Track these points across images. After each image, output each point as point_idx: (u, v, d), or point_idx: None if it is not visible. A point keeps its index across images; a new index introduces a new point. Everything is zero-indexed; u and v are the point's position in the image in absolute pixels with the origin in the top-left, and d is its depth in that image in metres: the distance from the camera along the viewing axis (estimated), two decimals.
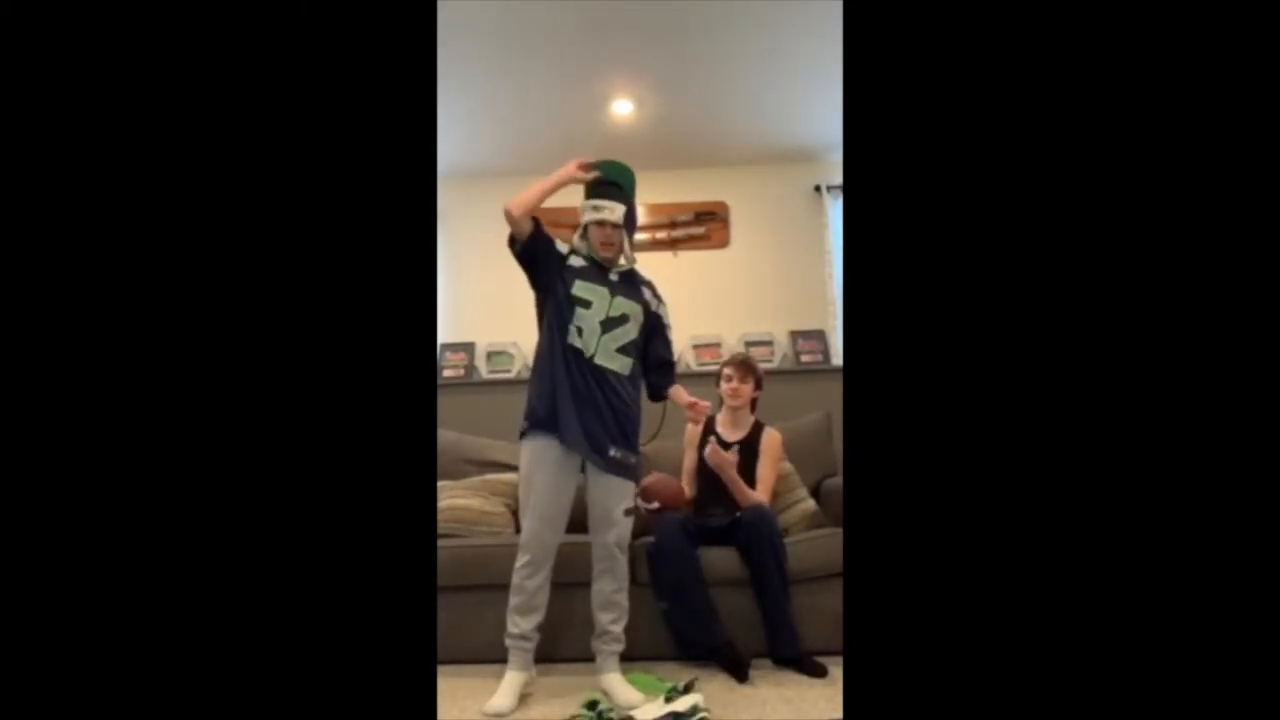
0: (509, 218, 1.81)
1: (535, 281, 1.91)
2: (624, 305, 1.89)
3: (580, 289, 1.86)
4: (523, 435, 1.86)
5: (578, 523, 1.90)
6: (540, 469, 1.81)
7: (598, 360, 1.83)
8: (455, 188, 3.43)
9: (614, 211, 1.88)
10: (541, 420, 1.81)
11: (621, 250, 1.93)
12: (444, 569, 2.08)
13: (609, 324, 1.86)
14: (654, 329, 1.98)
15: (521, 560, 1.82)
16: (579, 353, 1.83)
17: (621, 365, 1.86)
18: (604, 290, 1.88)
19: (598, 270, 1.91)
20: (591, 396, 1.81)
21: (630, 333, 1.89)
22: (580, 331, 1.83)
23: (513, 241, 1.86)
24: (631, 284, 1.95)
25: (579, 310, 1.84)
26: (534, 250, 1.86)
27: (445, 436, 2.72)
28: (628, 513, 1.88)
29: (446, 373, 3.32)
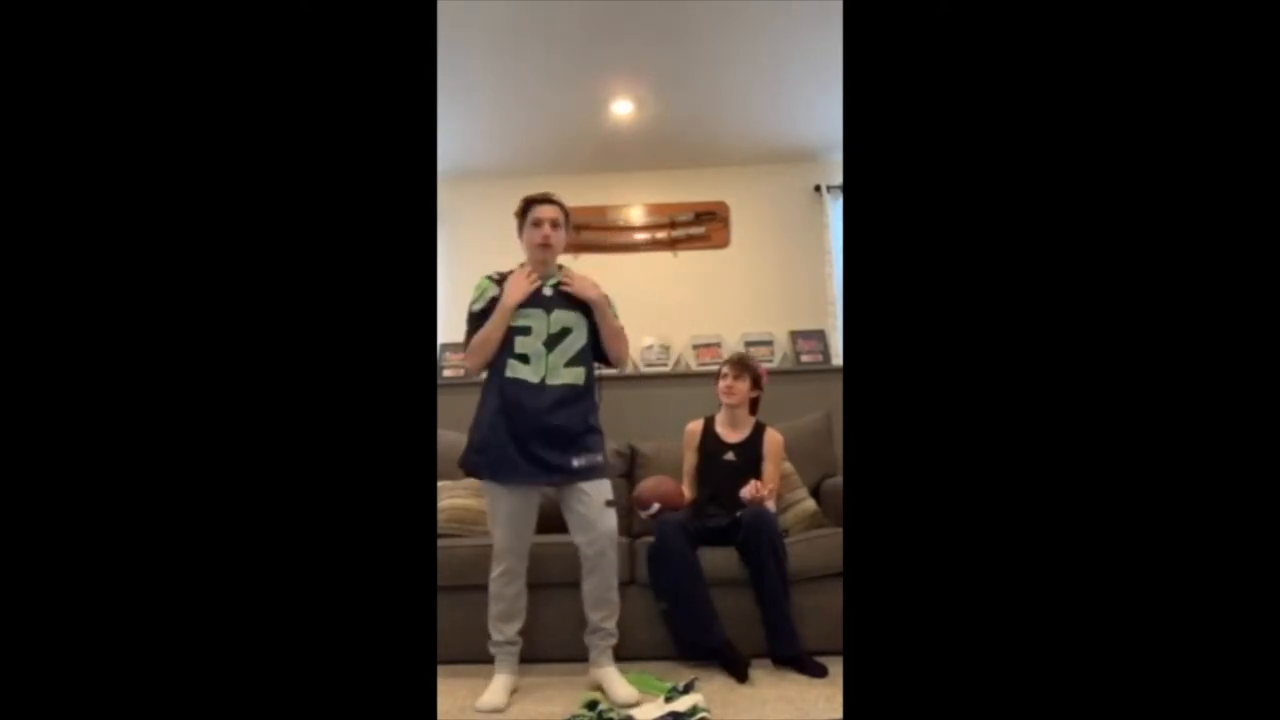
0: (474, 370, 1.89)
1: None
2: (564, 319, 1.87)
3: (517, 317, 1.84)
4: (468, 473, 1.88)
5: (556, 524, 1.90)
6: (500, 490, 1.84)
7: (549, 381, 1.81)
8: (455, 188, 3.43)
9: (550, 209, 1.90)
10: (491, 468, 1.82)
11: (557, 253, 1.92)
12: (444, 569, 2.08)
13: (552, 341, 1.84)
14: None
15: (497, 570, 1.84)
16: (522, 385, 1.81)
17: (575, 377, 1.85)
18: (539, 311, 1.86)
19: (535, 294, 1.87)
20: (542, 426, 1.79)
21: (578, 341, 1.87)
22: (526, 359, 1.82)
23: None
24: (566, 295, 1.91)
25: (519, 339, 1.83)
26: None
27: (445, 436, 2.71)
28: (609, 504, 1.87)
29: (446, 373, 3.31)
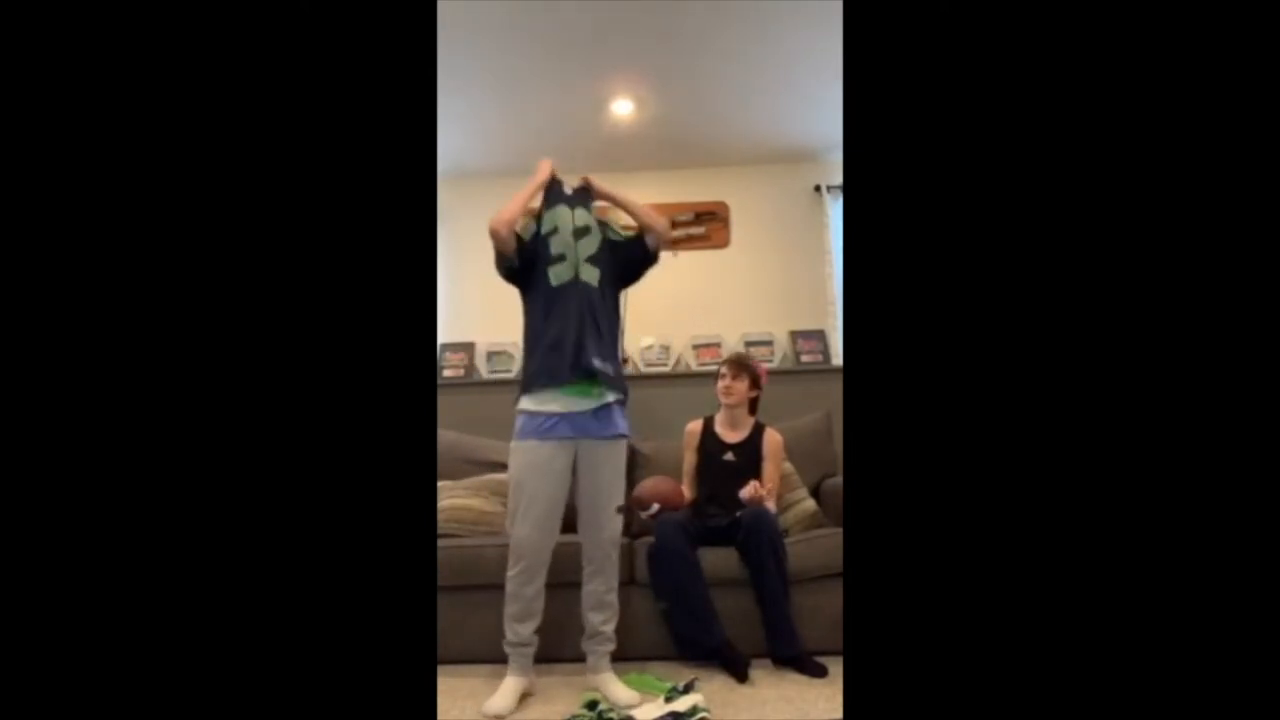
0: (495, 236, 1.86)
1: (526, 280, 1.94)
2: (584, 216, 1.96)
3: (546, 222, 1.93)
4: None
5: (569, 523, 1.90)
6: (534, 473, 1.79)
7: (582, 277, 1.88)
8: (455, 188, 3.42)
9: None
10: (548, 374, 1.81)
11: None
12: (444, 569, 2.08)
13: (578, 234, 1.92)
14: (621, 242, 2.01)
15: (516, 568, 1.81)
16: (563, 286, 1.86)
17: (591, 276, 1.90)
18: (563, 207, 1.95)
19: (555, 191, 1.97)
20: (588, 317, 1.83)
21: (594, 242, 1.94)
22: (562, 257, 1.89)
23: (501, 260, 1.91)
24: (585, 198, 2.00)
25: (553, 240, 1.91)
26: (519, 260, 1.90)
27: (445, 436, 2.72)
28: (620, 510, 1.87)
29: (446, 373, 3.31)
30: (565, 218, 1.93)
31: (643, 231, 1.99)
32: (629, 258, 1.99)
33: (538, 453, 1.79)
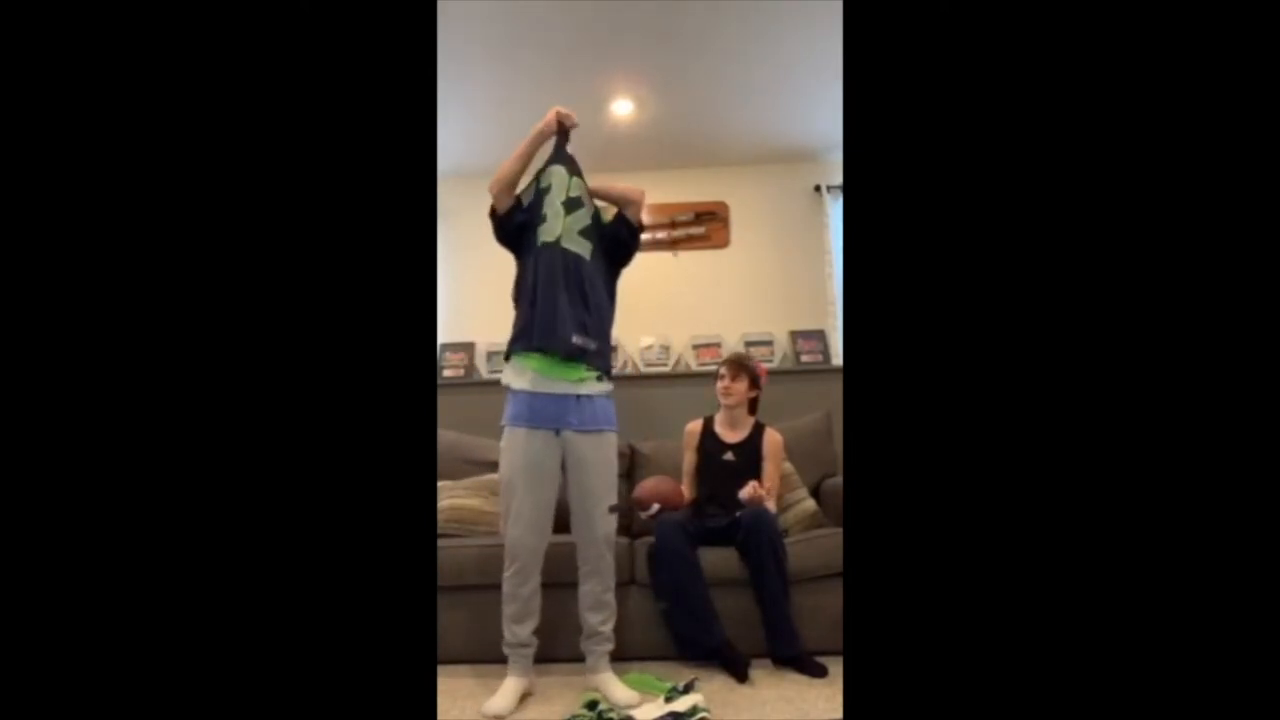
0: (491, 194, 1.88)
1: (520, 239, 1.94)
2: (580, 186, 1.95)
3: (544, 177, 1.93)
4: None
5: (564, 522, 1.90)
6: (523, 474, 1.79)
7: (564, 244, 1.87)
8: (455, 188, 3.42)
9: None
10: (539, 332, 1.79)
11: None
12: (444, 569, 2.08)
13: (570, 205, 1.91)
14: (607, 223, 1.99)
15: (511, 569, 1.80)
16: (550, 246, 1.86)
17: (583, 248, 1.90)
18: (561, 168, 1.94)
19: (562, 150, 1.96)
20: (572, 280, 1.83)
21: (585, 216, 1.93)
22: (545, 218, 1.88)
23: (494, 214, 1.92)
24: (580, 169, 1.99)
25: (545, 199, 1.90)
26: (513, 217, 1.91)
27: (445, 436, 2.72)
28: (613, 509, 1.87)
29: (446, 373, 3.31)
30: (561, 180, 1.92)
31: (621, 209, 1.98)
32: (616, 236, 1.98)
33: (526, 451, 1.79)
